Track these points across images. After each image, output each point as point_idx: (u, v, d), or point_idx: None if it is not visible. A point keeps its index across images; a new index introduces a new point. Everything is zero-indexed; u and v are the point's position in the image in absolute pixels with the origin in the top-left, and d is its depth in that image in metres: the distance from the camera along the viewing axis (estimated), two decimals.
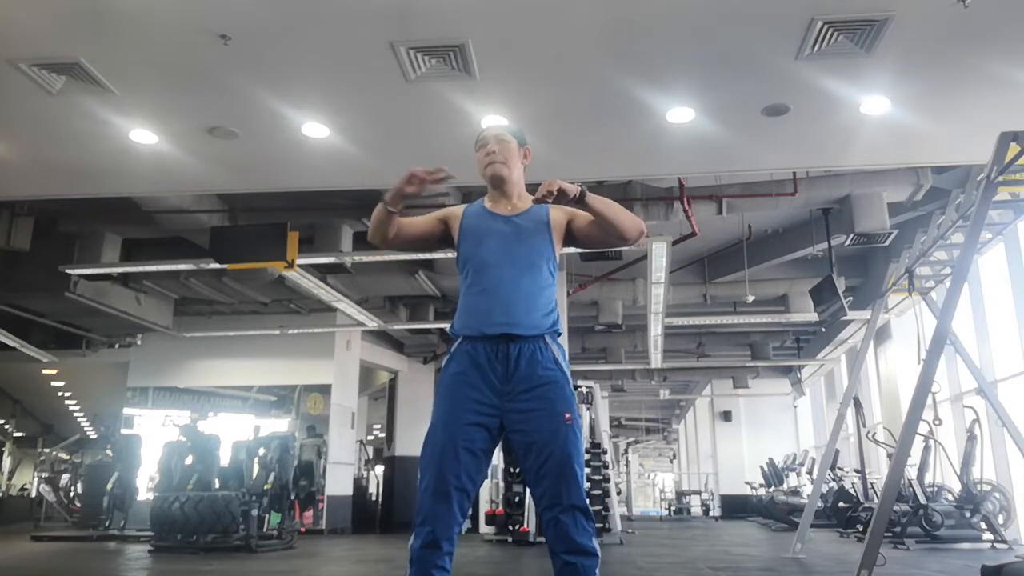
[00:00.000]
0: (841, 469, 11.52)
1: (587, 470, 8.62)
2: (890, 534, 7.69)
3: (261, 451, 8.58)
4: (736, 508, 18.20)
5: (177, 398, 12.48)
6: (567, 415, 2.16)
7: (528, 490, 8.26)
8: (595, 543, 2.13)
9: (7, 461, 21.16)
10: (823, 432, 16.54)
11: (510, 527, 8.90)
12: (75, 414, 21.98)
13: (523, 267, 2.28)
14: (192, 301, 11.60)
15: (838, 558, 6.73)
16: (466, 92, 5.14)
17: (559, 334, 2.30)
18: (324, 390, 12.13)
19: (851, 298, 10.05)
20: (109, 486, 10.49)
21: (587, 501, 2.16)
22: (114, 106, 5.29)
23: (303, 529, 10.55)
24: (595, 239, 2.39)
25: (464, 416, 2.16)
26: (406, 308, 12.31)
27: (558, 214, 2.40)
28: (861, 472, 10.29)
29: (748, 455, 18.58)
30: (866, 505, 9.24)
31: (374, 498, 14.87)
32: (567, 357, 2.32)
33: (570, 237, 2.42)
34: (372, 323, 11.29)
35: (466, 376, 2.20)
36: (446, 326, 11.73)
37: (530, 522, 8.64)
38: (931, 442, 8.37)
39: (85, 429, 21.78)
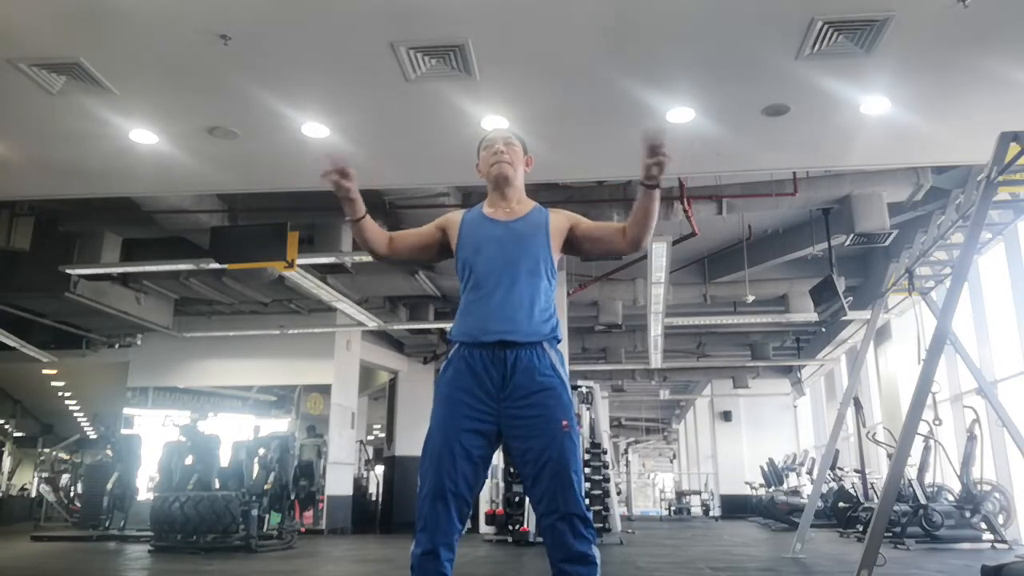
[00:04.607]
0: (841, 469, 11.51)
1: (587, 470, 8.61)
2: (890, 534, 7.68)
3: (261, 451, 8.57)
4: (736, 508, 18.20)
5: (177, 398, 12.49)
6: (564, 423, 2.14)
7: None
8: (594, 550, 2.09)
9: (7, 461, 21.15)
10: (823, 432, 16.54)
11: (510, 527, 8.90)
12: (75, 414, 21.98)
13: (520, 272, 2.26)
14: (192, 301, 11.60)
15: (838, 558, 6.73)
16: (466, 92, 5.14)
17: (558, 340, 2.27)
18: (324, 390, 12.13)
19: (851, 298, 10.05)
20: (109, 486, 10.48)
21: (585, 508, 2.13)
22: (114, 106, 5.30)
23: (303, 529, 10.54)
24: (599, 243, 2.38)
25: (461, 423, 2.15)
26: (406, 308, 12.32)
27: (559, 219, 2.38)
28: (861, 472, 10.29)
29: (748, 455, 18.57)
30: (866, 505, 9.23)
31: (374, 498, 14.87)
32: (566, 363, 2.30)
33: (570, 244, 2.39)
34: (372, 323, 11.29)
35: (463, 382, 2.18)
36: (446, 326, 11.76)
37: (530, 522, 8.63)
38: (931, 442, 8.37)
39: (85, 429, 21.78)
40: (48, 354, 12.29)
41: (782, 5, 4.29)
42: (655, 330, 11.48)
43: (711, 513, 19.31)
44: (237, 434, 9.64)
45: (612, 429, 23.18)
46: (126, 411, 12.44)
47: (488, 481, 9.83)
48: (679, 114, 5.48)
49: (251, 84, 5.06)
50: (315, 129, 5.64)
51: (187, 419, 10.46)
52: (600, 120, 5.61)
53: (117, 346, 12.57)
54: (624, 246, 2.32)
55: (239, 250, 7.41)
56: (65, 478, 16.02)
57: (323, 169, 2.25)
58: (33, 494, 20.03)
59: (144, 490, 10.90)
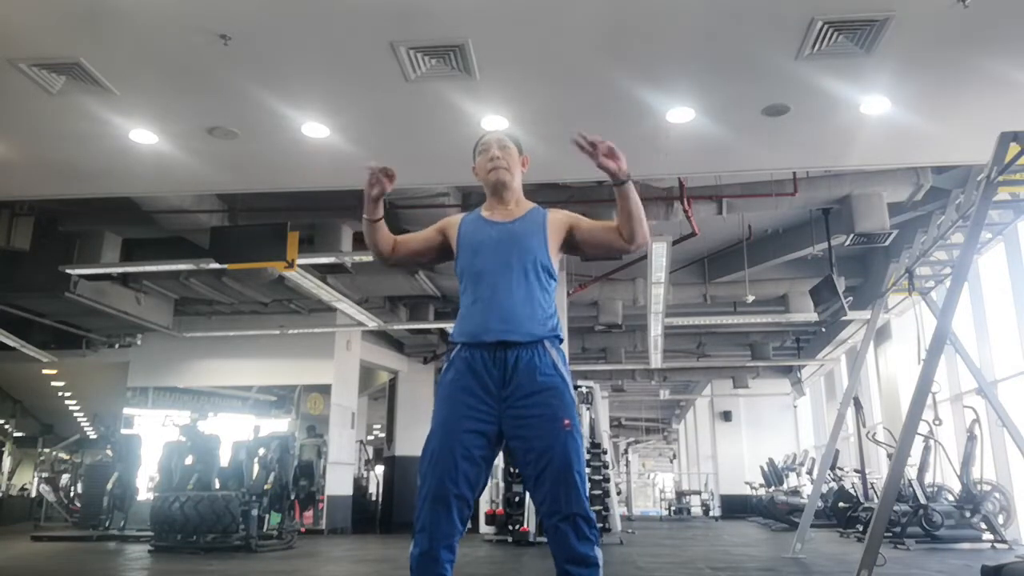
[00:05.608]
0: (841, 469, 11.52)
1: (587, 470, 8.60)
2: (890, 534, 7.68)
3: (261, 451, 8.57)
4: (736, 508, 18.21)
5: (177, 398, 12.49)
6: (567, 421, 2.13)
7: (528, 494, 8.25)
8: (596, 551, 2.08)
9: (7, 461, 21.16)
10: (823, 432, 16.54)
11: (510, 527, 8.90)
12: (75, 414, 21.98)
13: (519, 272, 2.25)
14: (192, 301, 11.61)
15: (838, 558, 6.73)
16: (466, 92, 5.14)
17: (560, 340, 2.26)
18: (324, 390, 12.13)
19: (851, 298, 10.05)
20: (109, 486, 10.48)
21: (589, 508, 2.11)
22: (114, 106, 5.29)
23: (303, 529, 10.55)
24: (599, 245, 2.36)
25: (462, 423, 2.14)
26: (406, 308, 12.32)
27: (558, 218, 2.38)
28: (861, 472, 10.29)
29: (748, 455, 18.58)
30: (866, 505, 9.24)
31: (374, 498, 14.87)
32: (567, 362, 2.30)
33: (570, 244, 2.38)
34: (372, 323, 11.29)
35: (464, 383, 2.18)
36: (446, 326, 11.76)
37: (530, 522, 8.64)
38: (931, 442, 8.36)
39: (85, 429, 21.78)
40: (48, 354, 12.28)
41: (782, 5, 4.29)
42: (655, 330, 11.48)
43: (711, 513, 19.31)
44: (237, 434, 9.63)
45: (612, 429, 23.18)
46: (126, 411, 12.44)
47: (488, 481, 9.83)
48: (679, 114, 5.48)
49: (251, 84, 5.06)
50: (315, 129, 5.64)
51: (187, 419, 10.45)
52: (600, 120, 5.60)
53: (117, 346, 12.58)
54: (625, 245, 2.30)
55: (239, 250, 7.41)
56: (65, 478, 16.03)
57: (369, 165, 2.27)
58: (33, 494, 20.04)
59: (144, 490, 10.90)
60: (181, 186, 6.93)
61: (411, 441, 13.73)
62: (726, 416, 20.03)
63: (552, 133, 5.72)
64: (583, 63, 4.89)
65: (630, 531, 11.41)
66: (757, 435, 19.10)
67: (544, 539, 7.77)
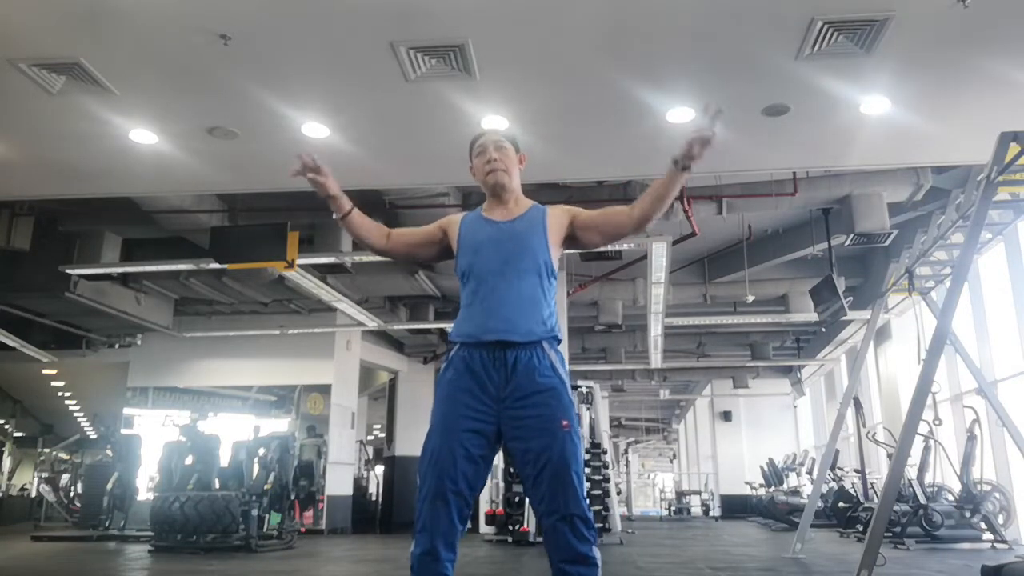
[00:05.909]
0: (841, 469, 11.52)
1: (587, 470, 8.61)
2: (890, 534, 7.68)
3: (261, 451, 8.58)
4: (736, 508, 18.20)
5: (177, 398, 12.49)
6: (565, 423, 2.13)
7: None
8: (595, 551, 2.09)
9: (7, 461, 21.16)
10: (823, 432, 16.54)
11: (510, 527, 8.90)
12: (75, 414, 21.98)
13: (519, 272, 2.25)
14: (192, 301, 11.61)
15: (838, 558, 6.73)
16: (466, 92, 5.14)
17: (558, 341, 2.26)
18: (324, 390, 12.13)
19: (851, 298, 10.05)
20: (109, 486, 10.48)
21: (587, 508, 2.12)
22: (114, 106, 5.29)
23: (303, 529, 10.55)
24: (603, 231, 2.36)
25: (461, 423, 2.14)
26: (406, 308, 12.32)
27: (557, 214, 2.38)
28: (861, 472, 10.29)
29: (748, 455, 18.58)
30: (866, 505, 9.23)
31: (374, 498, 14.88)
32: (566, 363, 2.30)
33: (571, 236, 2.38)
34: (372, 323, 11.29)
35: (463, 383, 2.18)
36: (446, 326, 11.75)
37: (530, 522, 8.63)
38: (931, 442, 8.36)
39: (85, 429, 21.78)
40: (48, 354, 12.29)
41: (782, 5, 4.29)
42: (655, 330, 11.48)
43: (711, 513, 19.31)
44: (237, 434, 9.63)
45: (612, 429, 23.18)
46: (126, 411, 12.44)
47: (488, 481, 9.84)
48: (679, 114, 5.48)
49: (251, 84, 5.06)
50: (315, 129, 5.64)
51: (187, 419, 10.44)
52: (600, 120, 5.60)
53: (117, 346, 12.58)
54: (630, 226, 2.31)
55: (239, 250, 7.41)
56: (65, 478, 16.03)
57: (293, 168, 2.26)
58: (33, 494, 20.04)
59: (144, 490, 10.90)
60: (181, 186, 6.93)
61: (411, 441, 13.73)
62: (726, 416, 20.04)
63: (552, 133, 5.72)
64: (583, 63, 4.89)
65: (630, 531, 11.40)
66: (757, 435, 19.10)
67: (544, 541, 7.79)
